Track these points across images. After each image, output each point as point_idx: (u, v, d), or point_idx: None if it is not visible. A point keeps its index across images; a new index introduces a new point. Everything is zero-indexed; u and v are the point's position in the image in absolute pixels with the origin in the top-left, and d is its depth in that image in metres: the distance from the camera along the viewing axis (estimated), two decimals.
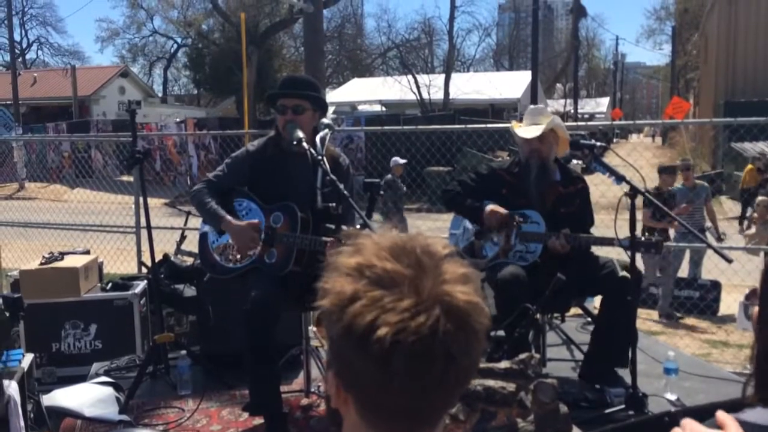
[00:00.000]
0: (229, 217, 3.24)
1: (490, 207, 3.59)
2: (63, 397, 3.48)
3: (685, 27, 38.75)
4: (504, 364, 2.73)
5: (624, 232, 3.23)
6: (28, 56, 47.74)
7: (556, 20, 71.36)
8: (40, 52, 49.93)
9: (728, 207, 13.72)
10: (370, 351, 0.79)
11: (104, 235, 7.79)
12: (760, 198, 7.66)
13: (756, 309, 1.10)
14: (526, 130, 3.64)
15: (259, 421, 3.22)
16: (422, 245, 0.86)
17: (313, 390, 3.59)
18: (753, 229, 7.37)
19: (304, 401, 3.54)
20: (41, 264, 4.45)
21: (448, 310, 0.81)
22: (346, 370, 0.84)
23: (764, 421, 1.01)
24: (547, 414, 2.62)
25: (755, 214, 7.27)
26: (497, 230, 3.63)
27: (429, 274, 0.82)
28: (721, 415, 0.98)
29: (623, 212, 3.18)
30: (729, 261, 3.24)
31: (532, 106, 3.93)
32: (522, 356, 2.77)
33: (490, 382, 2.61)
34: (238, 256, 3.32)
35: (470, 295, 0.83)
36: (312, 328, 4.54)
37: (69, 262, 4.50)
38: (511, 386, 2.64)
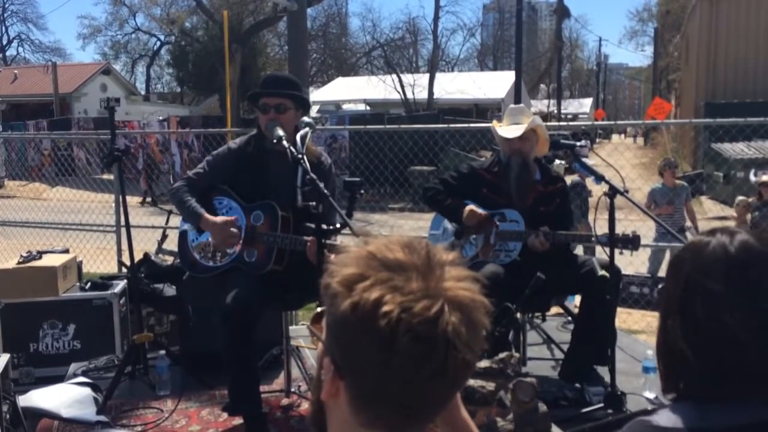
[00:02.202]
0: (207, 215, 3.22)
1: (470, 207, 3.60)
2: (39, 397, 3.43)
3: (667, 29, 39.09)
4: (483, 363, 2.74)
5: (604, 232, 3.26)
6: (8, 53, 47.25)
7: (539, 21, 71.81)
8: (20, 49, 49.23)
9: (708, 207, 13.86)
10: (376, 326, 0.80)
11: (84, 234, 7.71)
12: (739, 198, 7.74)
13: None
14: (507, 130, 3.65)
15: (238, 421, 3.21)
16: (431, 246, 0.90)
17: (293, 390, 3.57)
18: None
19: (285, 401, 3.53)
20: (18, 263, 4.38)
21: (453, 303, 0.83)
22: (346, 352, 0.84)
23: (666, 422, 1.03)
24: (527, 413, 2.63)
25: (735, 214, 7.34)
26: (476, 231, 3.65)
27: (436, 270, 0.85)
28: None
29: (603, 211, 3.22)
30: None
31: (512, 106, 3.95)
32: (502, 355, 2.78)
33: (470, 381, 2.61)
34: (218, 255, 3.30)
35: (475, 293, 0.86)
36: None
37: (47, 261, 4.44)
38: (490, 385, 2.65)
